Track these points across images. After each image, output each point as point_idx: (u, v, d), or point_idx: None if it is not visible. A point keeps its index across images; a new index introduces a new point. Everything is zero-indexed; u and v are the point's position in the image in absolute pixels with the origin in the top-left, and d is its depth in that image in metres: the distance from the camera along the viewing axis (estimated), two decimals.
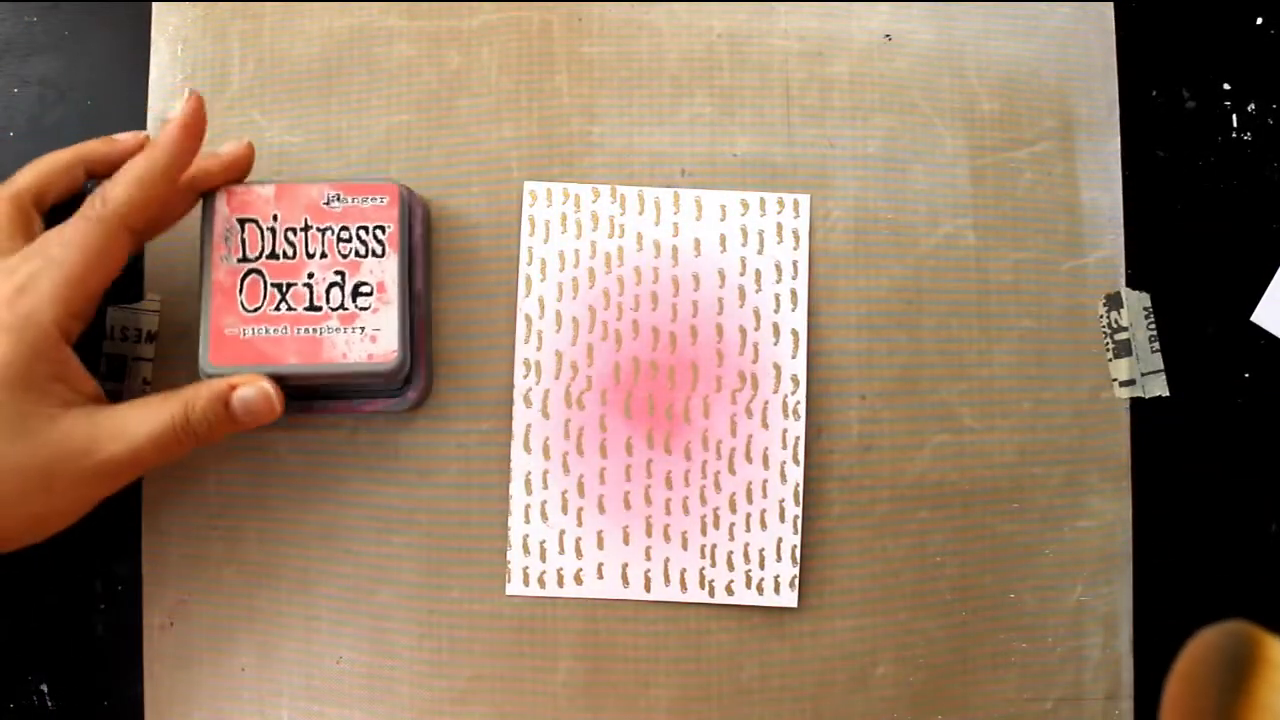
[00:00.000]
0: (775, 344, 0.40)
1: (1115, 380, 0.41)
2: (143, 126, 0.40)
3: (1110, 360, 0.41)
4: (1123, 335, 0.41)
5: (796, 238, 0.40)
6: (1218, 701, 0.24)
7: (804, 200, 0.40)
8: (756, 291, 0.40)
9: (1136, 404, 0.41)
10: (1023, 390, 0.41)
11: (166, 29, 0.41)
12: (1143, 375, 0.41)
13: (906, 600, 0.40)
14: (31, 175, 0.35)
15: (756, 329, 0.40)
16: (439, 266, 0.40)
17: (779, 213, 0.40)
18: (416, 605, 0.39)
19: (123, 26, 0.41)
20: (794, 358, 0.40)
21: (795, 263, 0.40)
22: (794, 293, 0.40)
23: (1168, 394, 0.41)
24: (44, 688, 0.39)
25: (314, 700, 0.39)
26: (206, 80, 0.41)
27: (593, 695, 0.39)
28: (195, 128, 0.34)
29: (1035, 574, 0.40)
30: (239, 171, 0.37)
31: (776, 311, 0.40)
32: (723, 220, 0.40)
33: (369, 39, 0.41)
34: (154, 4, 0.41)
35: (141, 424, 0.33)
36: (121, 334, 0.39)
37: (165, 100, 0.40)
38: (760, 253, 0.40)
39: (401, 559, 0.39)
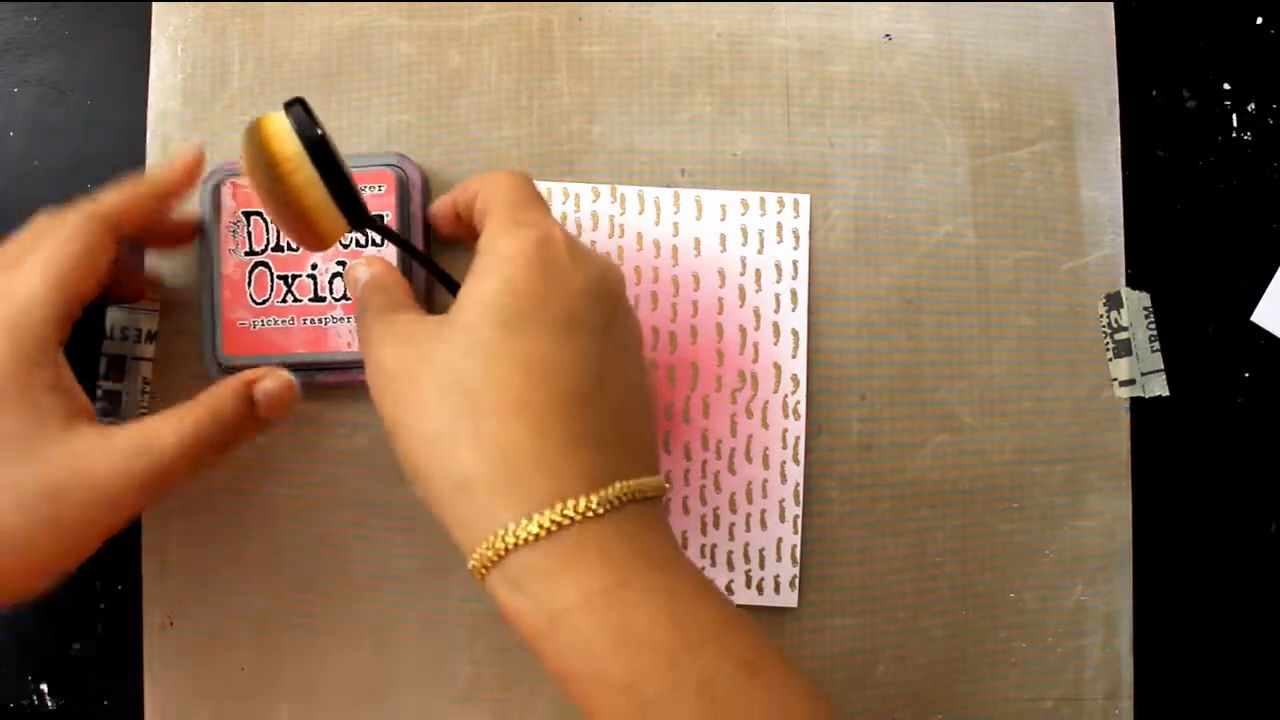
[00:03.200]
0: (775, 344, 0.40)
1: (1115, 380, 0.41)
2: (142, 126, 0.40)
3: (1110, 360, 0.41)
4: (1123, 335, 0.41)
5: (796, 237, 0.40)
6: (266, 175, 0.30)
7: (804, 200, 0.40)
8: (756, 291, 0.40)
9: (1136, 404, 0.41)
10: (1022, 390, 0.41)
11: (166, 29, 0.41)
12: (1143, 375, 0.41)
13: (906, 599, 0.40)
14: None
15: (756, 329, 0.40)
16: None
17: (779, 212, 0.40)
18: (416, 605, 0.39)
19: (123, 26, 0.41)
20: (794, 357, 0.40)
21: (795, 262, 0.40)
22: (794, 293, 0.40)
23: (1168, 394, 0.41)
24: (44, 687, 0.39)
25: (314, 700, 0.39)
26: (206, 80, 0.41)
27: None
28: (192, 171, 0.36)
29: (1035, 573, 0.40)
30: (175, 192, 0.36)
31: (776, 311, 0.40)
32: (723, 220, 0.40)
33: (369, 38, 0.41)
34: (154, 4, 0.41)
35: (165, 434, 0.30)
36: (121, 334, 0.39)
37: (165, 100, 0.40)
38: (760, 252, 0.40)
39: (401, 559, 0.39)
